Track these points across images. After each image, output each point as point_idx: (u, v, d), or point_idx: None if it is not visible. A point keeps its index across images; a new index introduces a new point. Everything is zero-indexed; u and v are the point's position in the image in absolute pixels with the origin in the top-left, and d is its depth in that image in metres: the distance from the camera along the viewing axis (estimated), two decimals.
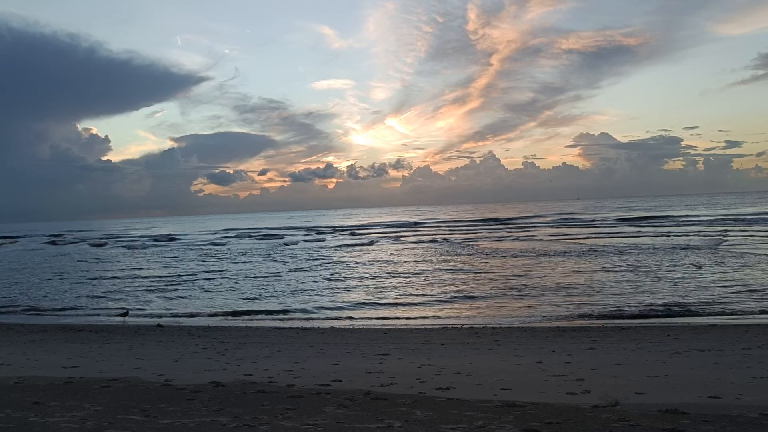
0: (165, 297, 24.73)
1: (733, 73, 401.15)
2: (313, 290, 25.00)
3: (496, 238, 54.99)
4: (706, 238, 42.12)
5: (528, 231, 64.48)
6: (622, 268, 27.08)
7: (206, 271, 34.01)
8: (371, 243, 55.24)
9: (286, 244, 57.74)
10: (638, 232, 52.89)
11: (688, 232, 48.48)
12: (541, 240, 50.47)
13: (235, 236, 77.84)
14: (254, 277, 30.21)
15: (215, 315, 20.34)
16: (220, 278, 30.40)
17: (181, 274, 33.22)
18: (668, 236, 45.85)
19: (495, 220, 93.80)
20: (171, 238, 78.85)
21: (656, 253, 33.41)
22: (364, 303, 21.64)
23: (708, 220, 62.59)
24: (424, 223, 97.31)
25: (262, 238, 72.50)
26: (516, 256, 36.05)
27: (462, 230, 71.78)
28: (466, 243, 50.28)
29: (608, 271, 26.57)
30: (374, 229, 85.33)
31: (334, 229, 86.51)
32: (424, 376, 8.65)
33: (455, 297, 21.84)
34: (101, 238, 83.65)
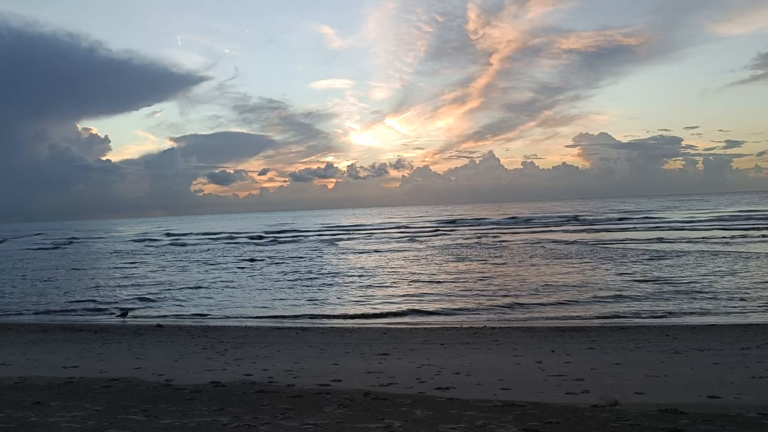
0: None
1: (732, 72, 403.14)
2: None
3: (619, 240, 43.18)
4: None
5: (623, 232, 52.16)
6: None
7: None
8: (479, 239, 51.29)
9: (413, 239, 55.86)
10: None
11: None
12: (686, 241, 39.58)
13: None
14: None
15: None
16: None
17: None
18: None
19: (563, 217, 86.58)
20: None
21: None
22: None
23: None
24: (509, 222, 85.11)
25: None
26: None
27: (558, 231, 61.41)
28: (596, 244, 40.77)
29: None
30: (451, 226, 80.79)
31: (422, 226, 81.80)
32: (424, 376, 8.67)
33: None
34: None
